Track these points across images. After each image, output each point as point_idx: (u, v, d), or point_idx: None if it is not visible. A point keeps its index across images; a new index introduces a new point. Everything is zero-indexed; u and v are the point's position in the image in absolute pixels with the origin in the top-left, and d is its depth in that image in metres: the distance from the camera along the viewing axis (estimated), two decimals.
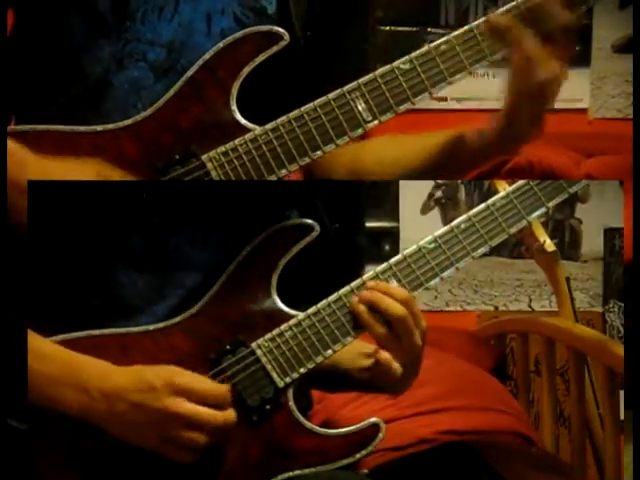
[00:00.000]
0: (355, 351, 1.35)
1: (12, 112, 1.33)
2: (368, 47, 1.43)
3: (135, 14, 1.29)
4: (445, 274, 1.32)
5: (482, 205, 1.34)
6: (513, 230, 1.35)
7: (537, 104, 1.28)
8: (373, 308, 1.28)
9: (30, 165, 1.21)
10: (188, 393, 1.20)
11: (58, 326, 1.24)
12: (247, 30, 1.26)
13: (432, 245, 1.32)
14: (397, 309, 1.27)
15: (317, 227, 1.29)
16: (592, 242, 3.11)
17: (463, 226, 1.33)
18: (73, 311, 1.27)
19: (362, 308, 1.28)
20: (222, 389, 1.23)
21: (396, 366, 1.28)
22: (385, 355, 1.28)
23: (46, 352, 1.22)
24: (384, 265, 1.30)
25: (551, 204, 1.36)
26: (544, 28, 1.26)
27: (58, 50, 1.30)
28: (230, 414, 1.23)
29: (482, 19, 1.29)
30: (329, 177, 1.41)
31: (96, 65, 1.28)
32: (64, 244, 1.27)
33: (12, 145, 1.21)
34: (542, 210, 1.36)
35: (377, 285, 1.29)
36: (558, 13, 1.27)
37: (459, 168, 1.39)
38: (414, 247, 1.31)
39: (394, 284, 1.30)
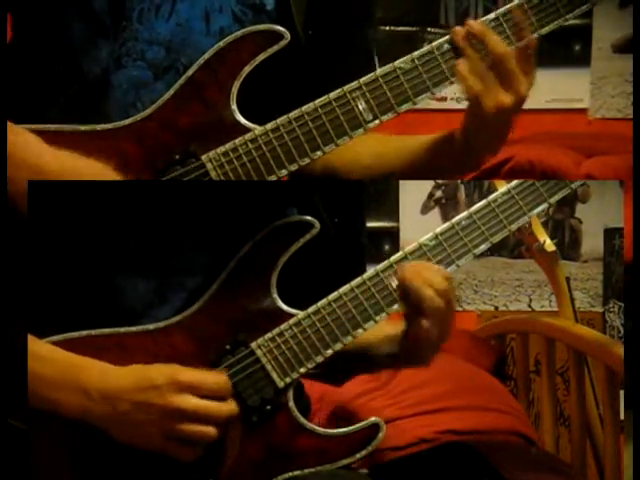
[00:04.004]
0: (382, 334, 1.35)
1: (11, 114, 1.32)
2: (373, 45, 1.42)
3: (132, 13, 1.29)
4: None
5: (483, 201, 1.33)
6: (514, 226, 1.34)
7: (488, 132, 1.28)
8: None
9: (33, 146, 1.20)
10: (191, 388, 1.21)
11: (58, 329, 1.24)
12: (247, 29, 1.26)
13: (433, 242, 1.31)
14: (442, 284, 1.27)
15: (317, 224, 1.28)
16: (592, 242, 3.10)
17: (464, 223, 1.32)
18: (73, 315, 1.26)
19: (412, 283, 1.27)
20: (223, 380, 1.24)
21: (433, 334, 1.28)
22: (426, 324, 1.27)
23: (44, 354, 1.22)
24: (385, 262, 1.30)
25: (553, 200, 1.35)
26: (487, 60, 1.25)
27: (56, 51, 1.29)
28: (233, 405, 1.23)
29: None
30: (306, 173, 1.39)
31: (95, 65, 1.28)
32: (63, 245, 1.26)
33: (13, 126, 1.21)
34: (544, 206, 1.35)
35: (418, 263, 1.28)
36: (497, 44, 1.26)
37: (439, 169, 1.38)
38: (415, 244, 1.31)
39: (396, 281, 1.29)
